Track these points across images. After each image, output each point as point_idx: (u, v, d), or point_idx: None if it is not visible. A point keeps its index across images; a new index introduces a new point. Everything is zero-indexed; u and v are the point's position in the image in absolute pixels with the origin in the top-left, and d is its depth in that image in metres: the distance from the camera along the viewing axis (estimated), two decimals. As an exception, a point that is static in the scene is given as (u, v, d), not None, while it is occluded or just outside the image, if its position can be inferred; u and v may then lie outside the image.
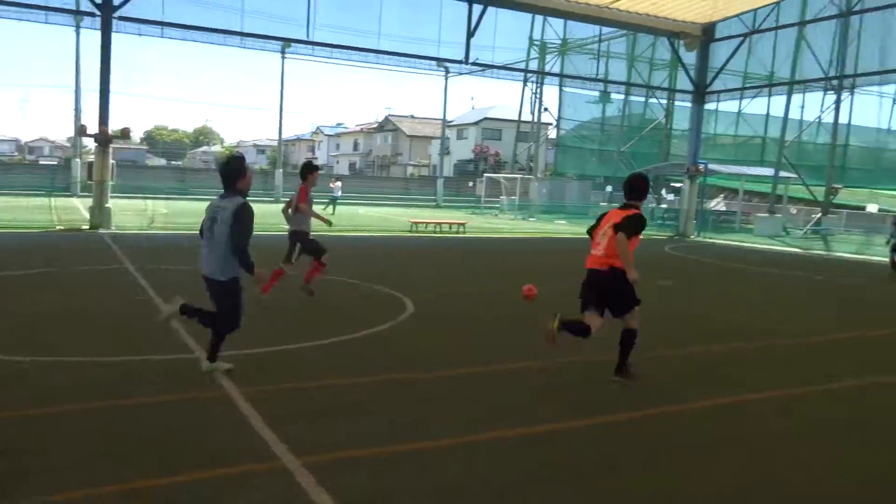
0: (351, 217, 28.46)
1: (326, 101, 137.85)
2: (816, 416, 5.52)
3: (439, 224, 24.54)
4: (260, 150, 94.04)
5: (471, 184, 48.78)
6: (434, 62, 28.58)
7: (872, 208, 34.14)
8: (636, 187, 6.10)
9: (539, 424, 4.86)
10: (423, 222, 24.74)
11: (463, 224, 24.56)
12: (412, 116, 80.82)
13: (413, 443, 4.39)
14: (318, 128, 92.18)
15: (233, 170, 5.50)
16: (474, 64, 23.29)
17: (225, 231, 5.28)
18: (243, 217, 5.29)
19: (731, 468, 4.31)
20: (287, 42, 24.16)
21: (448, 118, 50.99)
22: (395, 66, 31.08)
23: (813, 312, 10.84)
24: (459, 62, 23.12)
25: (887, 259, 17.07)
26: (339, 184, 33.80)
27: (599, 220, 6.19)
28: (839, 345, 8.31)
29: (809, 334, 8.62)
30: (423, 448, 4.33)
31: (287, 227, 8.97)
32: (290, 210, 8.91)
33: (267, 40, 22.70)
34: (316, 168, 9.20)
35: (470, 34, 21.53)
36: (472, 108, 73.78)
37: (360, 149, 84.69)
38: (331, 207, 32.12)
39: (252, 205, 5.44)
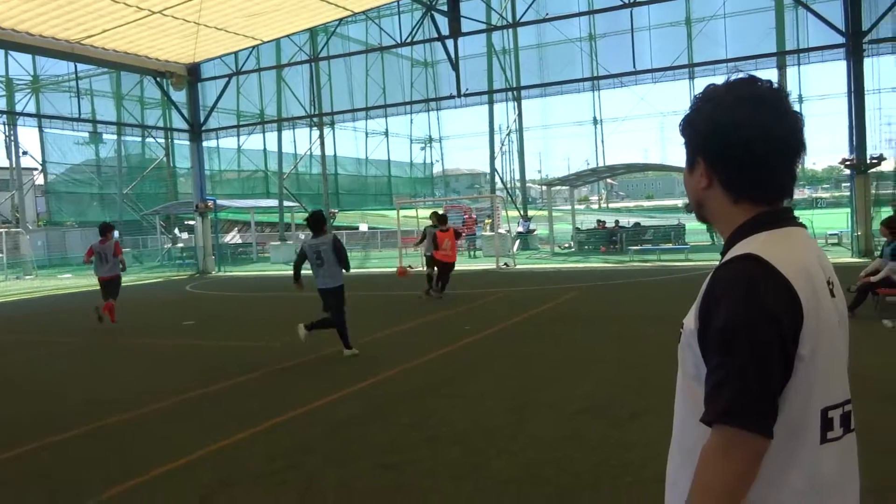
0: None
1: None
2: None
3: None
4: None
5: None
6: None
7: (364, 227, 39.41)
8: (441, 219, 14.24)
9: None
10: None
11: (-71, 297, 19.89)
12: None
13: None
14: None
15: (319, 220, 8.62)
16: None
17: (332, 256, 8.34)
18: (341, 244, 8.58)
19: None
20: None
21: None
22: None
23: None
24: None
25: (394, 270, 17.66)
26: None
27: (435, 239, 13.62)
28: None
29: (311, 352, 9.33)
30: None
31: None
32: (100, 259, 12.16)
33: None
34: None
35: None
36: (-74, 157, 60.56)
37: None
38: None
39: None
